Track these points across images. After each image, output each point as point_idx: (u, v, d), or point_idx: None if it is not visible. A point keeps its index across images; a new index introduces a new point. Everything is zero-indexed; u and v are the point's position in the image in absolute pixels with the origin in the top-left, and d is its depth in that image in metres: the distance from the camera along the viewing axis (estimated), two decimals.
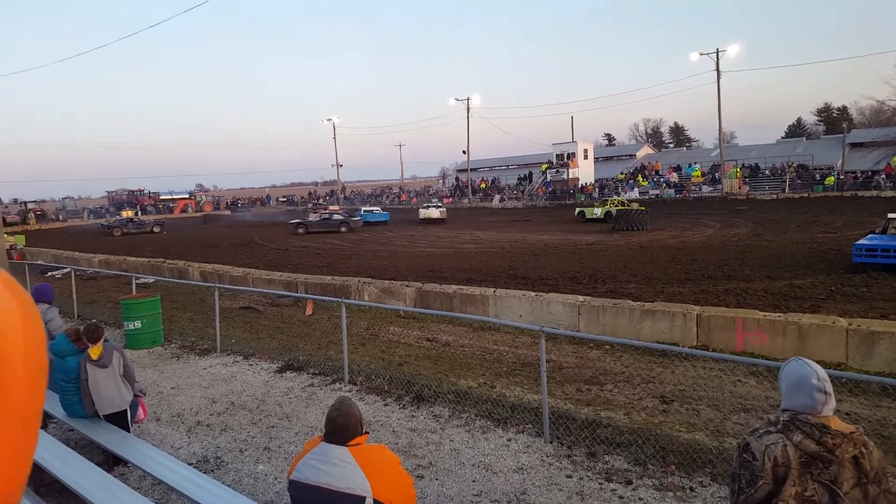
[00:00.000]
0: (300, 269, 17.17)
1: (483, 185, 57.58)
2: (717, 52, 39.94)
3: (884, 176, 36.45)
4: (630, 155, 66.08)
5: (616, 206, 30.26)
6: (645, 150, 68.91)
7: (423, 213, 37.11)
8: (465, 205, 51.77)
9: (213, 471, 4.91)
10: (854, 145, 48.28)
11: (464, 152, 57.90)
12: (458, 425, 5.63)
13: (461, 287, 11.25)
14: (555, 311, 9.39)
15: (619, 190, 45.19)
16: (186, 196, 66.80)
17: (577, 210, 34.06)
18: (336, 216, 33.22)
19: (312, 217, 33.35)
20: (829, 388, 2.13)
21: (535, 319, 9.09)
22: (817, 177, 39.91)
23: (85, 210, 61.70)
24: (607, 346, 8.03)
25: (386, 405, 6.25)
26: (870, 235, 13.54)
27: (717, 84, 40.76)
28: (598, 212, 30.87)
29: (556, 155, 51.80)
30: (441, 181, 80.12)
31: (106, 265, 19.57)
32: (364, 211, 37.62)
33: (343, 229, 31.57)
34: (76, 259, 21.55)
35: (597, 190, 46.69)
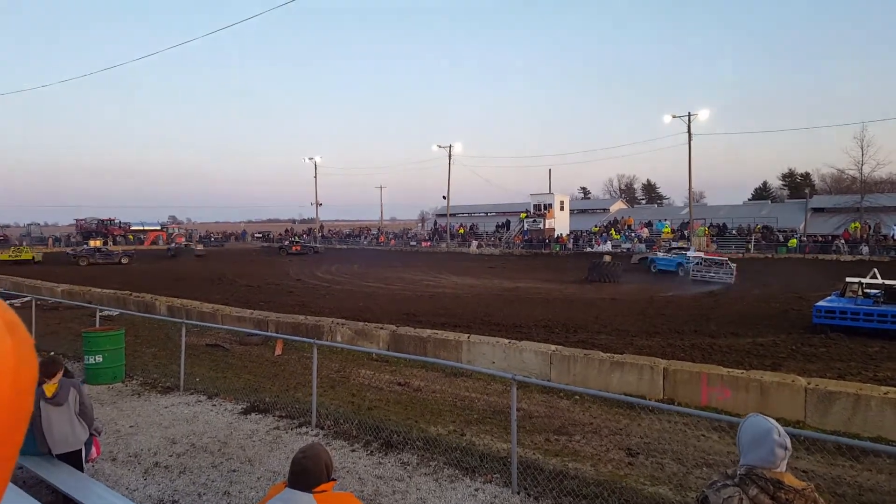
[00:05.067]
0: (272, 307, 16.93)
1: (461, 231, 58.17)
2: (689, 115, 41.92)
3: (843, 241, 38.11)
4: (604, 209, 68.17)
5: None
6: (618, 205, 71.20)
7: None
8: (444, 249, 52.06)
9: None
10: (816, 210, 50.70)
11: (444, 197, 58.85)
12: (426, 473, 5.55)
13: (436, 331, 11.24)
14: (527, 359, 9.44)
15: (593, 242, 46.15)
16: (158, 228, 65.81)
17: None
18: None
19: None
20: (789, 443, 2.21)
21: (508, 367, 9.11)
22: (781, 238, 41.48)
23: (50, 238, 60.05)
24: (577, 396, 8.08)
25: (353, 451, 6.14)
26: (829, 297, 14.07)
27: (688, 145, 42.61)
28: (37, 256, 37.57)
29: (534, 205, 52.95)
30: (420, 224, 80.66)
31: (69, 295, 18.99)
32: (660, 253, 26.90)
33: None
34: (38, 288, 20.86)
35: (571, 241, 47.57)
